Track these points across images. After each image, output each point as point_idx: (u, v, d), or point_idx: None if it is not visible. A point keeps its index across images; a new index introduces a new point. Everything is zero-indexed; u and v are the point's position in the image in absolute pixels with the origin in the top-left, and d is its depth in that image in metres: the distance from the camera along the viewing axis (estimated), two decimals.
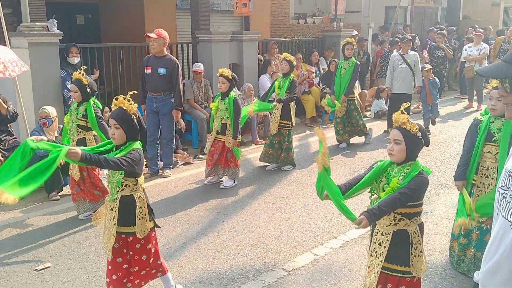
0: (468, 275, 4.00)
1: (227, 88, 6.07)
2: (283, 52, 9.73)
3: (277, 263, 4.28)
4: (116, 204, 3.25)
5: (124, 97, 3.23)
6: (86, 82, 5.11)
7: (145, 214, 3.31)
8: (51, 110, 5.97)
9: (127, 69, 8.05)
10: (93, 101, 5.18)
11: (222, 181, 6.40)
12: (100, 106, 5.33)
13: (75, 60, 6.87)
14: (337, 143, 8.25)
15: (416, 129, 2.83)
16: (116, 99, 3.23)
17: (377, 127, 9.38)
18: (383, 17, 15.24)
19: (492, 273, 1.65)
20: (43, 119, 5.89)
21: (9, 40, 6.31)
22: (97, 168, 5.19)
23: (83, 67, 5.27)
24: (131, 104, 3.21)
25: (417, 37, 13.11)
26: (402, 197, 2.71)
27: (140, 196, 3.29)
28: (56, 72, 6.65)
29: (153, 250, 3.41)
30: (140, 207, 3.28)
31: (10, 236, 4.86)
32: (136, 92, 3.65)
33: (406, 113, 2.91)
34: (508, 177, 1.69)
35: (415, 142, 2.84)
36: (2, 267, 4.23)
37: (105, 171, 6.38)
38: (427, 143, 2.93)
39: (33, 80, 6.40)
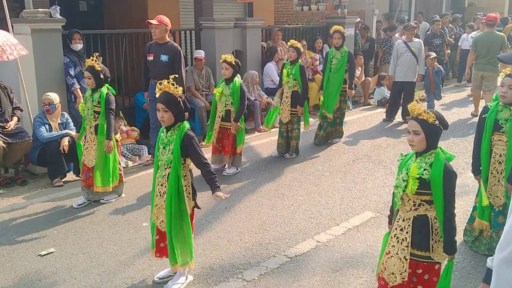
0: (481, 253, 4.15)
1: (231, 74, 6.07)
2: (287, 39, 9.69)
3: (279, 249, 4.29)
4: (165, 180, 3.54)
5: (168, 81, 3.46)
6: (99, 69, 5.07)
7: (189, 193, 3.61)
8: (55, 97, 5.97)
9: (130, 55, 8.02)
10: (107, 88, 5.15)
11: (225, 168, 6.40)
12: (115, 93, 5.33)
13: (78, 46, 6.84)
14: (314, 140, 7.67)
15: (433, 118, 2.82)
16: (160, 83, 3.46)
17: (381, 116, 9.34)
18: (387, 4, 15.08)
19: (509, 261, 1.60)
20: (47, 106, 5.89)
21: (12, 26, 6.29)
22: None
23: (95, 54, 5.20)
24: (176, 88, 3.44)
25: (427, 25, 12.98)
26: (452, 209, 2.85)
27: (185, 175, 3.57)
28: (59, 59, 6.63)
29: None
30: (185, 186, 3.55)
31: (14, 222, 4.89)
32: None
33: (420, 102, 2.91)
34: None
35: (434, 130, 2.84)
36: (6, 252, 4.27)
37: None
38: (445, 127, 2.93)
39: (36, 67, 6.38)
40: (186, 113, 3.61)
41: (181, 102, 3.45)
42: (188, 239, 3.60)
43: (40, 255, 4.20)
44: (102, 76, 5.14)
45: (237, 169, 6.32)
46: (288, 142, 6.94)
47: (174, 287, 3.64)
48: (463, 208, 4.93)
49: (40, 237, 4.54)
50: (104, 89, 5.13)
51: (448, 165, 2.81)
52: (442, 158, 2.81)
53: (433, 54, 9.16)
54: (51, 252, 4.25)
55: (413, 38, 8.79)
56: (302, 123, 6.97)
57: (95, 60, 5.09)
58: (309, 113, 9.56)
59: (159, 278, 3.81)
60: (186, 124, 3.55)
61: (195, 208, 3.77)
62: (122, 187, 5.47)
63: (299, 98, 6.71)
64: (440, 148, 2.88)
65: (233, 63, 6.04)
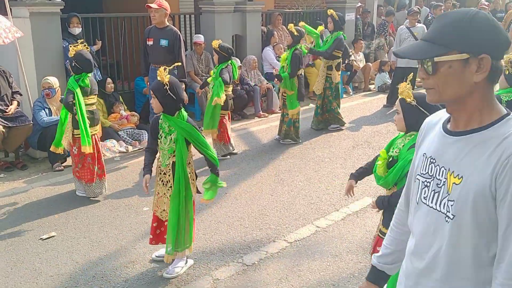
0: None
1: (217, 59, 6.05)
2: (287, 23, 9.62)
3: (279, 234, 4.32)
4: (170, 169, 3.58)
5: (165, 68, 3.48)
6: (70, 55, 4.82)
7: (193, 179, 3.67)
8: (54, 81, 5.94)
9: (129, 39, 7.97)
10: (73, 79, 4.80)
11: (233, 153, 6.37)
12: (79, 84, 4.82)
13: (76, 30, 6.79)
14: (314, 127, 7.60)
15: (411, 98, 2.85)
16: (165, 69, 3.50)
17: (382, 102, 9.33)
18: None
19: (429, 270, 1.51)
20: (46, 90, 5.87)
21: (11, 9, 6.23)
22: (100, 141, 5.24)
23: (79, 41, 5.03)
24: (166, 75, 3.42)
25: (427, 10, 12.89)
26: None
27: (189, 162, 3.62)
28: (58, 42, 6.59)
29: None
30: (190, 173, 3.61)
31: (15, 206, 4.91)
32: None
33: (410, 84, 2.94)
34: (429, 164, 1.55)
35: (411, 111, 2.87)
36: (8, 236, 4.29)
37: (108, 143, 6.42)
38: (430, 111, 2.92)
39: (35, 51, 6.34)
40: (182, 101, 3.59)
41: (168, 91, 3.37)
42: (191, 224, 3.64)
43: (41, 238, 4.23)
44: (73, 64, 4.78)
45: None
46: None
47: (176, 270, 3.67)
48: None
49: (41, 221, 4.56)
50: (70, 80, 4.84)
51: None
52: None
53: None
54: (53, 236, 4.27)
55: (416, 23, 8.73)
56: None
57: (84, 45, 4.89)
58: (309, 98, 9.62)
59: (156, 256, 3.89)
60: (184, 114, 3.55)
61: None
62: (104, 184, 5.15)
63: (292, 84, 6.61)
64: None
65: (217, 48, 5.97)
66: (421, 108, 2.87)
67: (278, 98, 7.56)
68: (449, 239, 1.44)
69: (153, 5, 6.13)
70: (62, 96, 5.15)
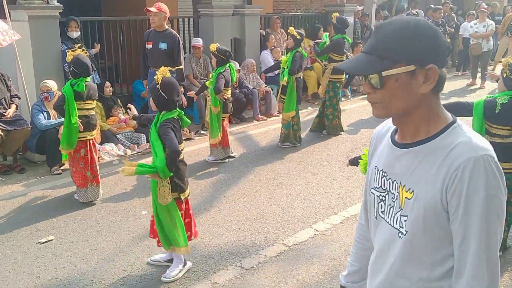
0: None
1: (215, 63, 6.06)
2: (285, 27, 9.64)
3: (277, 238, 4.32)
4: None
5: (169, 69, 3.62)
6: (68, 60, 4.83)
7: (168, 183, 3.55)
8: (53, 84, 5.94)
9: (127, 43, 7.97)
10: (70, 84, 4.76)
11: (231, 157, 6.37)
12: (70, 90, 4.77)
13: (74, 34, 6.79)
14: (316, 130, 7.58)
15: None
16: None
17: None
18: None
19: None
20: (45, 93, 5.87)
21: (9, 13, 6.23)
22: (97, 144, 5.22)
23: (77, 45, 5.04)
24: (160, 75, 3.52)
25: (422, 13, 12.93)
26: None
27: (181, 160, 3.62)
28: (57, 46, 6.59)
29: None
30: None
31: (13, 209, 4.90)
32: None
33: None
34: (381, 177, 1.48)
35: None
36: (6, 239, 4.28)
37: (106, 147, 6.42)
38: None
39: (34, 54, 6.34)
40: (174, 102, 3.57)
41: (159, 90, 3.47)
42: (178, 224, 3.60)
43: (39, 242, 4.22)
44: (71, 68, 4.77)
45: (216, 159, 6.29)
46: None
47: (172, 274, 3.67)
48: None
49: (39, 225, 4.55)
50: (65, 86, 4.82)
51: None
52: None
53: None
54: (51, 240, 4.27)
55: None
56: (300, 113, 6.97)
57: (83, 49, 4.92)
58: (308, 102, 9.63)
59: (152, 260, 3.88)
60: (167, 114, 3.52)
61: (184, 197, 3.69)
62: (98, 190, 5.09)
63: (290, 85, 6.62)
64: None
65: (215, 51, 5.99)
66: None
67: (277, 101, 7.57)
68: (401, 256, 1.40)
69: (152, 9, 6.14)
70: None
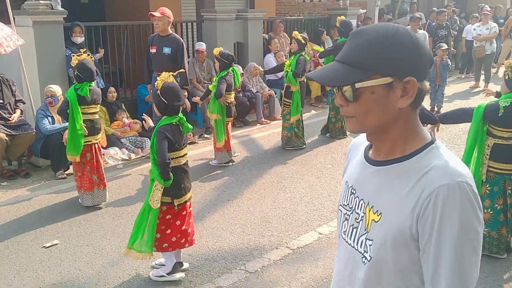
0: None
1: (218, 67, 6.09)
2: (288, 31, 9.65)
3: (281, 241, 4.32)
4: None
5: (170, 74, 3.66)
6: (73, 64, 4.84)
7: (162, 187, 3.54)
8: (57, 89, 5.97)
9: (131, 47, 8.00)
10: (74, 88, 4.79)
11: (232, 161, 6.37)
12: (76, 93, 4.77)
13: (78, 40, 6.83)
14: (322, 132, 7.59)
15: None
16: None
17: None
18: None
19: None
20: (49, 98, 5.89)
21: (14, 18, 6.28)
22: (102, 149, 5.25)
23: (82, 50, 5.08)
24: (161, 80, 3.56)
25: (423, 16, 12.93)
26: None
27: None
28: (61, 51, 6.63)
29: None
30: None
31: (18, 214, 4.92)
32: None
33: None
34: (350, 194, 1.36)
35: None
36: (11, 244, 4.30)
37: (110, 151, 6.44)
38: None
39: (38, 59, 6.38)
40: (174, 107, 3.58)
41: (160, 95, 3.51)
42: (149, 231, 3.54)
43: (44, 246, 4.23)
44: (76, 73, 4.78)
45: (220, 163, 6.29)
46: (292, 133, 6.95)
47: (157, 275, 3.73)
48: None
49: (44, 229, 4.57)
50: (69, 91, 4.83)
51: None
52: None
53: (445, 46, 9.05)
54: (56, 244, 4.28)
55: (418, 29, 8.74)
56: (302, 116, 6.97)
57: (88, 54, 4.96)
58: (311, 105, 9.64)
59: (156, 264, 3.89)
60: (166, 120, 3.58)
61: (176, 204, 3.64)
62: (105, 193, 5.10)
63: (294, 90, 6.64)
64: None
65: (218, 55, 6.01)
66: None
67: (280, 104, 7.59)
68: (365, 283, 1.28)
69: (156, 14, 6.17)
70: None
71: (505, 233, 3.97)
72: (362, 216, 1.30)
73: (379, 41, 1.19)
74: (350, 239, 1.33)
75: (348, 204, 1.37)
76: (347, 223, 1.36)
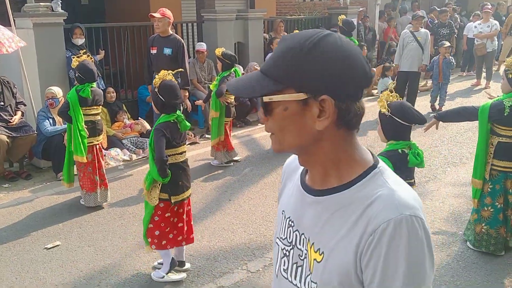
0: (472, 248, 4.07)
1: (220, 67, 6.08)
2: (289, 30, 9.64)
3: None
4: None
5: (170, 72, 3.66)
6: (73, 66, 4.87)
7: (159, 184, 3.57)
8: (58, 91, 5.97)
9: (132, 49, 8.01)
10: (75, 89, 4.78)
11: (235, 160, 6.37)
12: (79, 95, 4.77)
13: (79, 41, 6.84)
14: None
15: (385, 108, 2.87)
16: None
17: None
18: None
19: None
20: (50, 100, 5.90)
21: (14, 20, 6.29)
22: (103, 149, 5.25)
23: (82, 52, 5.09)
24: (159, 78, 3.58)
25: (425, 14, 12.89)
26: None
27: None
28: (62, 52, 6.64)
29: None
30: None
31: (19, 215, 4.92)
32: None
33: (393, 91, 2.97)
34: (288, 227, 1.19)
35: (386, 121, 2.91)
36: (12, 245, 4.30)
37: (111, 152, 6.44)
38: (409, 121, 2.92)
39: (39, 61, 6.39)
40: (172, 105, 3.59)
41: (157, 93, 3.54)
42: (143, 226, 3.68)
43: (46, 248, 4.24)
44: (77, 74, 4.79)
45: (220, 163, 6.28)
46: None
47: (157, 276, 3.74)
48: (455, 206, 4.93)
49: (46, 230, 4.57)
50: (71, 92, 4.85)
51: (387, 155, 2.85)
52: (388, 149, 2.89)
53: (447, 43, 9.03)
54: (57, 245, 4.28)
55: (420, 28, 8.72)
56: None
57: (88, 55, 4.98)
58: None
59: (159, 263, 3.90)
60: (164, 118, 3.60)
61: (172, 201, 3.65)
62: (107, 193, 5.13)
63: None
64: (402, 142, 2.89)
65: (220, 56, 6.00)
66: (395, 118, 2.88)
67: None
68: None
69: (156, 15, 6.17)
70: None
71: (503, 232, 3.96)
72: (305, 254, 1.13)
73: (295, 50, 1.03)
74: (295, 279, 1.16)
75: (286, 238, 1.19)
76: (288, 260, 1.18)
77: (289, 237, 1.18)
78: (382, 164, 1.11)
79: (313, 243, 1.10)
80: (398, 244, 0.98)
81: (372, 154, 1.15)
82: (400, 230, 0.98)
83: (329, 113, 1.03)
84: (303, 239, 1.13)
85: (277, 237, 1.24)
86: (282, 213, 1.23)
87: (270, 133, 1.12)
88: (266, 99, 1.06)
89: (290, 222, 1.19)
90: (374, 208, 1.02)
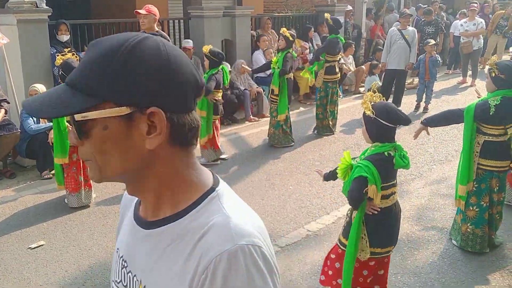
0: (457, 246, 4.08)
1: (207, 65, 6.06)
2: (276, 27, 9.63)
3: (270, 239, 4.30)
4: None
5: None
6: (57, 64, 4.82)
7: None
8: (42, 88, 5.89)
9: None
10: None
11: (222, 159, 6.36)
12: None
13: (64, 38, 6.76)
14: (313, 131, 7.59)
15: (369, 110, 2.88)
16: None
17: None
18: None
19: None
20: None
21: None
22: None
23: (67, 50, 5.03)
24: None
25: (414, 12, 12.96)
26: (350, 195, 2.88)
27: None
28: (46, 49, 6.55)
29: None
30: None
31: (3, 214, 4.85)
32: None
33: (376, 92, 2.98)
34: (121, 268, 1.03)
35: (371, 123, 2.92)
36: None
37: None
38: (393, 122, 2.93)
39: (22, 58, 6.30)
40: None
41: None
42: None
43: (30, 248, 4.18)
44: (60, 72, 4.75)
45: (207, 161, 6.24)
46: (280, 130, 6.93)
47: None
48: (441, 204, 4.98)
49: (30, 230, 4.51)
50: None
51: (372, 159, 2.87)
52: (373, 152, 2.89)
53: (432, 41, 9.08)
54: (42, 245, 4.23)
55: (408, 26, 8.76)
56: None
57: (72, 52, 4.91)
58: (299, 102, 9.64)
59: None
60: None
61: None
62: (91, 194, 5.08)
63: (282, 86, 6.62)
64: (388, 144, 2.91)
65: (207, 53, 5.98)
66: (380, 120, 2.89)
67: (268, 101, 7.59)
68: None
69: (141, 11, 6.09)
70: None
71: (487, 231, 3.99)
72: None
73: (109, 56, 0.87)
74: None
75: (121, 281, 1.03)
76: None
77: (124, 280, 1.02)
78: (221, 186, 0.99)
79: (144, 286, 0.96)
80: (234, 279, 0.85)
81: (213, 175, 1.01)
82: (236, 262, 0.86)
83: (160, 128, 0.89)
84: (135, 281, 0.98)
85: (113, 280, 1.07)
86: (117, 252, 1.07)
87: (86, 160, 0.93)
88: (78, 117, 0.87)
89: (123, 263, 1.03)
90: (208, 239, 0.89)
